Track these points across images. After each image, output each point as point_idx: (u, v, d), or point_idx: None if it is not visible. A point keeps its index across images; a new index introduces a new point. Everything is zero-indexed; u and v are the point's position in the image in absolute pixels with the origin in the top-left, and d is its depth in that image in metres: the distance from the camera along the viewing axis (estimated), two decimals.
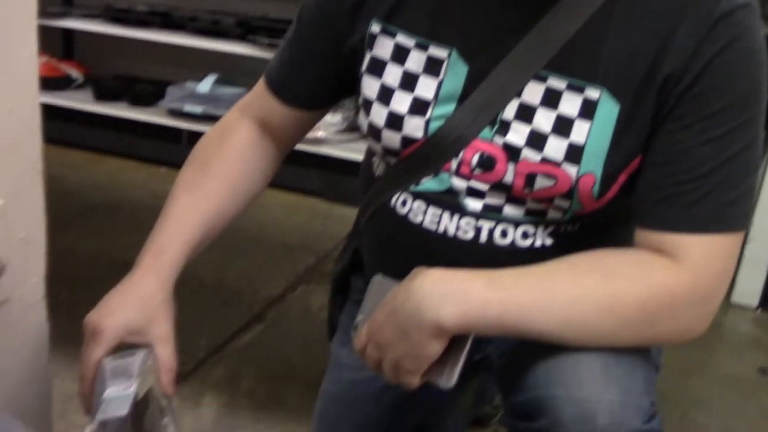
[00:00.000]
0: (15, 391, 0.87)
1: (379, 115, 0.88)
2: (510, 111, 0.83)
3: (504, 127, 0.83)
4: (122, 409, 0.66)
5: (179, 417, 0.85)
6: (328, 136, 2.37)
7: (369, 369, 1.04)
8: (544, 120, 0.82)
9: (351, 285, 1.12)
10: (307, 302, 1.96)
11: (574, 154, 0.81)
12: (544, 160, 0.82)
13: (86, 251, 2.08)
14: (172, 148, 2.58)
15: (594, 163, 0.81)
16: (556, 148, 0.81)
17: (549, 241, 0.88)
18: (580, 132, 0.81)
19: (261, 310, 1.91)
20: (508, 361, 0.89)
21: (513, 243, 0.88)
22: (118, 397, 0.69)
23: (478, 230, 0.88)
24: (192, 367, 1.65)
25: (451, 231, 0.88)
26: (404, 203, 0.91)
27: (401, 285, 0.77)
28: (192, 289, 1.99)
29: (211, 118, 2.26)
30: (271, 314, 1.90)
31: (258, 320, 1.87)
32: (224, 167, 0.95)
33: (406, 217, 0.90)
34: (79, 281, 1.68)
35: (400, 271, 0.80)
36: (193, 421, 1.47)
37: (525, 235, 0.88)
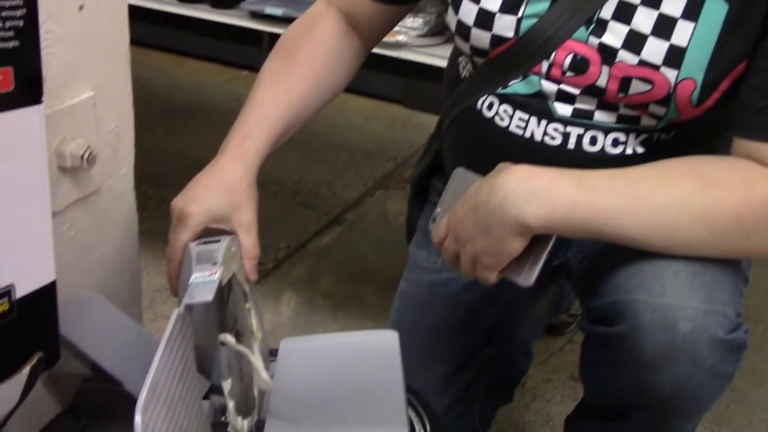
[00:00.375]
0: (107, 278, 0.91)
1: (468, 12, 0.85)
2: (608, 9, 0.79)
3: (600, 27, 0.79)
4: (208, 295, 0.68)
5: (261, 309, 0.88)
6: (409, 40, 2.32)
7: (446, 263, 1.05)
8: (644, 19, 0.77)
9: (430, 187, 1.12)
10: (385, 207, 1.97)
11: (675, 57, 0.77)
12: (642, 63, 0.78)
13: (170, 151, 2.13)
14: (253, 52, 2.58)
15: (695, 68, 0.77)
16: (655, 50, 0.77)
17: (640, 150, 0.85)
18: (682, 33, 0.76)
19: (339, 213, 1.93)
20: (589, 265, 0.88)
21: (602, 150, 0.85)
22: (204, 282, 0.71)
23: (566, 136, 0.85)
24: (272, 266, 1.70)
25: (538, 136, 0.86)
26: (490, 106, 0.88)
27: (485, 179, 0.75)
28: (272, 192, 2.03)
29: (292, 20, 2.24)
30: (349, 217, 1.92)
31: (336, 223, 1.90)
32: (310, 58, 0.94)
33: (491, 120, 0.88)
34: (164, 179, 1.72)
35: (482, 174, 0.79)
36: (272, 317, 1.52)
37: (615, 143, 0.85)
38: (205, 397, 0.77)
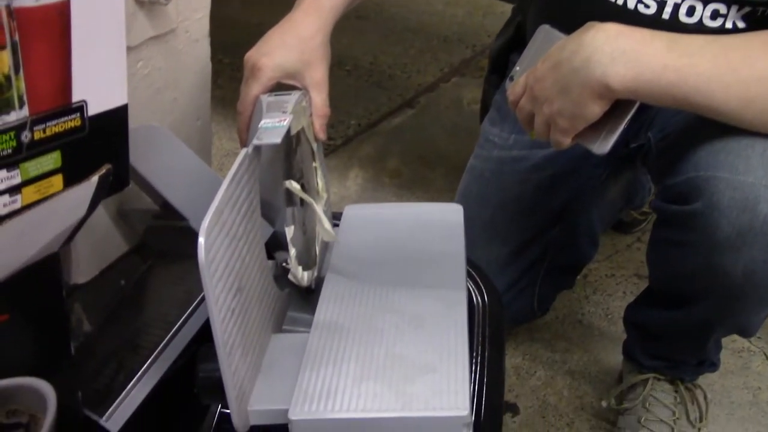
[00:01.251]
0: (179, 122, 0.92)
1: None
2: None
3: None
4: (276, 138, 0.68)
5: (327, 171, 0.88)
6: None
7: (517, 140, 1.03)
8: None
9: (509, 63, 1.08)
10: (459, 93, 1.92)
11: None
12: None
13: (247, 21, 2.11)
14: None
15: None
16: None
17: (741, 25, 0.78)
18: None
19: (413, 96, 1.90)
20: (668, 142, 0.84)
21: (700, 22, 0.79)
22: (273, 127, 0.71)
23: (661, 5, 0.80)
24: (341, 142, 1.69)
25: (631, 3, 0.81)
26: None
27: (571, 36, 0.71)
28: (347, 70, 2.00)
29: None
30: (423, 101, 1.89)
31: (409, 105, 1.87)
32: None
33: None
34: (240, 49, 1.72)
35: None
36: (338, 191, 1.53)
37: (714, 15, 0.79)
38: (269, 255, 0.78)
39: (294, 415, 0.59)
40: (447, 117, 1.83)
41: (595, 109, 0.70)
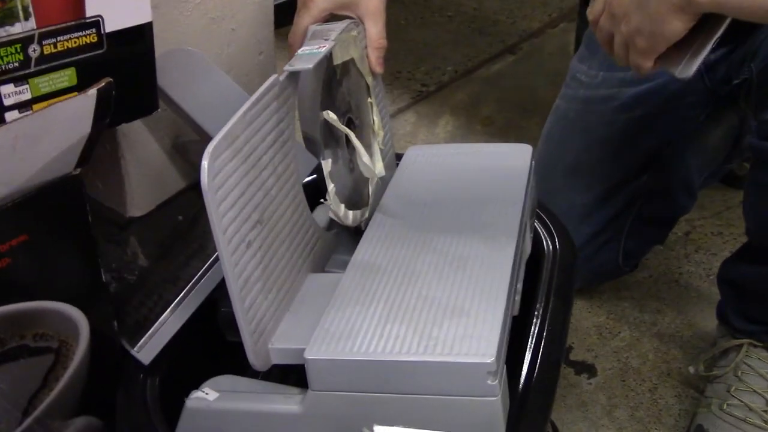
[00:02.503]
0: (238, 55, 0.88)
1: None
2: None
3: None
4: (308, 64, 0.63)
5: (386, 107, 0.82)
6: None
7: (606, 77, 0.93)
8: None
9: None
10: (566, 39, 1.80)
11: None
12: None
13: None
14: None
15: None
16: None
17: None
18: None
19: (515, 42, 1.80)
20: None
21: None
22: (310, 53, 0.66)
23: None
24: (434, 89, 1.63)
25: None
26: None
27: None
28: (448, 16, 1.92)
29: None
30: (525, 47, 1.79)
31: (510, 52, 1.77)
32: None
33: None
34: None
35: None
36: (426, 138, 1.47)
37: None
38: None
39: (310, 354, 0.55)
40: (550, 64, 1.72)
41: (677, 26, 0.60)
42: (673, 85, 0.67)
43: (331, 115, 0.67)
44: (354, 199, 0.75)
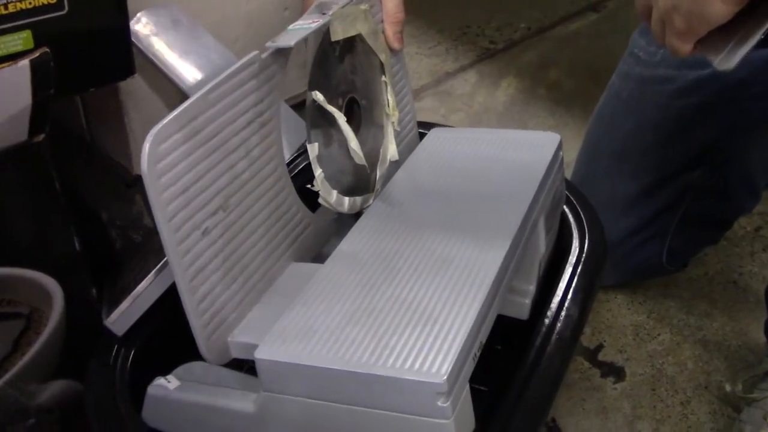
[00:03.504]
0: (262, 11, 0.84)
1: None
2: None
3: None
4: (290, 41, 0.58)
5: (407, 85, 0.76)
6: None
7: (665, 57, 0.84)
8: None
9: None
10: None
11: None
12: None
13: None
14: None
15: None
16: None
17: None
18: None
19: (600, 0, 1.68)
20: None
21: None
22: (298, 29, 0.61)
23: None
24: (502, 47, 1.54)
25: None
26: None
27: None
28: None
29: None
30: (611, 5, 1.66)
31: (593, 9, 1.65)
32: None
33: None
34: None
35: None
36: (484, 100, 1.39)
37: None
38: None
39: (260, 354, 0.52)
40: (636, 24, 1.59)
41: (719, 9, 0.52)
42: (740, 71, 0.58)
43: (318, 96, 0.62)
44: (357, 185, 0.70)
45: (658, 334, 0.96)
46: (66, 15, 0.53)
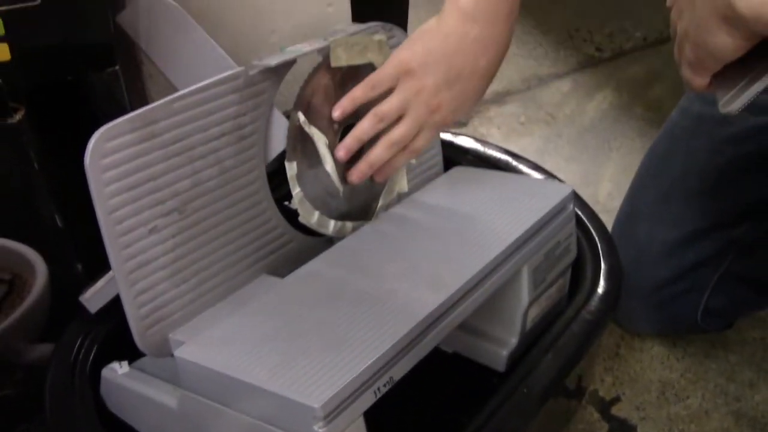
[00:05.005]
0: (304, 4, 0.87)
1: None
2: None
3: None
4: (271, 61, 0.61)
5: None
6: None
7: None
8: None
9: None
10: None
11: None
12: None
13: None
14: None
15: None
16: None
17: None
18: None
19: None
20: None
21: None
22: (291, 51, 0.63)
23: None
24: (608, 56, 1.48)
25: None
26: None
27: None
28: None
29: None
30: None
31: None
32: None
33: None
34: None
35: None
36: (571, 113, 1.35)
37: None
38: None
39: (178, 352, 0.56)
40: None
41: (724, 42, 0.49)
42: None
43: (300, 117, 0.64)
44: (353, 210, 0.72)
45: (687, 397, 0.91)
46: (39, 5, 0.57)
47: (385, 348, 0.53)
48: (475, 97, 0.66)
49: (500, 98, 1.35)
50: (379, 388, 0.53)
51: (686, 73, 0.55)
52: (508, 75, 1.41)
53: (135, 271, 0.57)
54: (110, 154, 0.54)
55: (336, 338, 0.55)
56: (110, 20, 0.61)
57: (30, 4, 0.56)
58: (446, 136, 0.89)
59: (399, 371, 0.55)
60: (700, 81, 0.55)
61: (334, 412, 0.49)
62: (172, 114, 0.57)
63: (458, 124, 1.27)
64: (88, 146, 0.52)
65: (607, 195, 1.15)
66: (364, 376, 0.51)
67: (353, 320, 0.56)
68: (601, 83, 1.41)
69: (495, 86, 1.37)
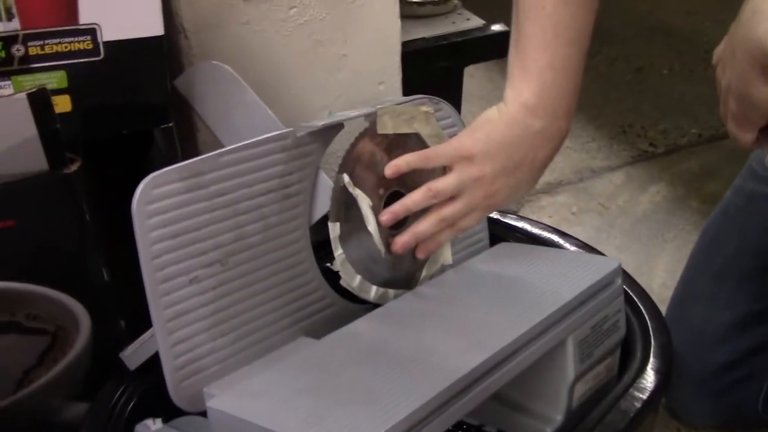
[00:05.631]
0: (353, 82, 0.89)
1: None
2: None
3: None
4: (318, 122, 0.63)
5: None
6: None
7: None
8: None
9: None
10: None
11: None
12: None
13: None
14: None
15: None
16: None
17: None
18: None
19: None
20: None
21: None
22: (339, 116, 0.66)
23: None
24: (662, 151, 1.48)
25: None
26: None
27: None
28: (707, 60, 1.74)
29: None
30: None
31: None
32: None
33: None
34: None
35: None
36: (623, 204, 1.34)
37: None
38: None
39: (211, 402, 0.55)
40: None
41: (764, 92, 0.49)
42: None
43: (345, 179, 0.66)
44: (395, 278, 0.72)
45: None
46: (101, 61, 0.61)
47: (420, 403, 0.52)
48: (529, 186, 0.68)
49: (552, 189, 1.36)
50: None
51: (732, 128, 0.55)
52: (560, 167, 1.42)
53: (173, 320, 0.58)
54: (157, 201, 0.55)
55: (370, 393, 0.54)
56: (168, 82, 0.64)
57: (94, 59, 0.59)
58: (493, 214, 0.89)
59: (438, 428, 0.53)
60: (745, 136, 0.54)
61: None
62: (220, 167, 0.59)
63: (509, 212, 1.27)
64: (136, 191, 0.54)
65: (661, 284, 1.13)
66: (400, 428, 0.50)
67: (388, 377, 0.55)
68: (654, 177, 1.40)
69: (547, 177, 1.37)
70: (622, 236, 1.24)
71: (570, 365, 0.68)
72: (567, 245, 0.86)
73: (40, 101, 0.53)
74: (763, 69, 0.48)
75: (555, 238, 0.88)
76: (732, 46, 0.52)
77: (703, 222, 1.28)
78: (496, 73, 1.68)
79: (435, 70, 1.10)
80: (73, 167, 0.61)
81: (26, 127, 0.54)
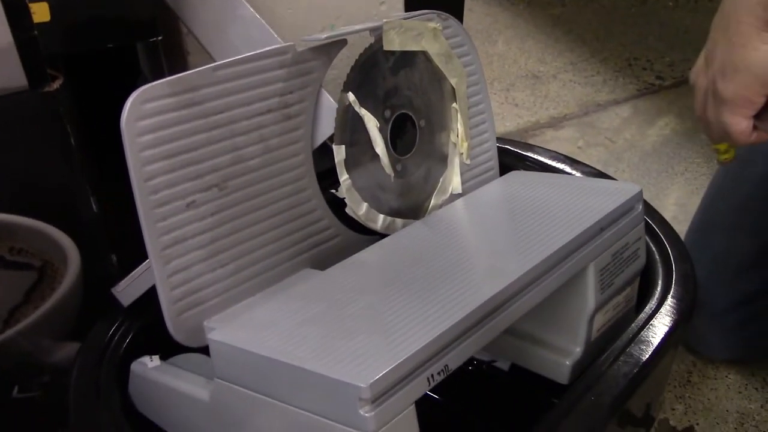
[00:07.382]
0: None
1: None
2: None
3: None
4: (321, 36, 0.58)
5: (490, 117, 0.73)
6: None
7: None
8: None
9: None
10: None
11: None
12: None
13: None
14: None
15: None
16: None
17: None
18: None
19: None
20: None
21: None
22: (341, 32, 0.60)
23: None
24: (669, 84, 1.43)
25: None
26: None
27: None
28: None
29: None
30: None
31: None
32: None
33: None
34: None
35: None
36: (631, 137, 1.30)
37: None
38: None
39: (213, 335, 0.52)
40: None
41: (764, 49, 0.45)
42: None
43: (350, 97, 0.61)
44: (404, 207, 0.68)
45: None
46: None
47: (440, 330, 0.48)
48: None
49: (556, 123, 1.31)
50: (433, 375, 0.48)
51: (725, 118, 0.50)
52: (565, 101, 1.37)
53: (170, 248, 0.54)
54: (148, 117, 0.51)
55: (385, 322, 0.50)
56: None
57: None
58: (500, 142, 0.85)
59: (455, 360, 0.49)
60: (741, 123, 0.50)
61: (383, 395, 0.44)
62: (215, 82, 0.55)
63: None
64: (124, 106, 0.49)
65: (672, 218, 1.09)
66: (417, 359, 0.46)
67: (404, 305, 0.52)
68: (662, 110, 1.36)
69: (550, 111, 1.33)
70: (630, 170, 1.20)
71: (591, 294, 0.64)
72: (580, 174, 0.82)
73: (13, 3, 0.48)
74: (762, 27, 0.44)
75: (568, 167, 0.84)
76: (724, 22, 0.48)
77: (712, 153, 1.25)
78: (494, 7, 1.62)
79: None
80: (55, 84, 0.57)
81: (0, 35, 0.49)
